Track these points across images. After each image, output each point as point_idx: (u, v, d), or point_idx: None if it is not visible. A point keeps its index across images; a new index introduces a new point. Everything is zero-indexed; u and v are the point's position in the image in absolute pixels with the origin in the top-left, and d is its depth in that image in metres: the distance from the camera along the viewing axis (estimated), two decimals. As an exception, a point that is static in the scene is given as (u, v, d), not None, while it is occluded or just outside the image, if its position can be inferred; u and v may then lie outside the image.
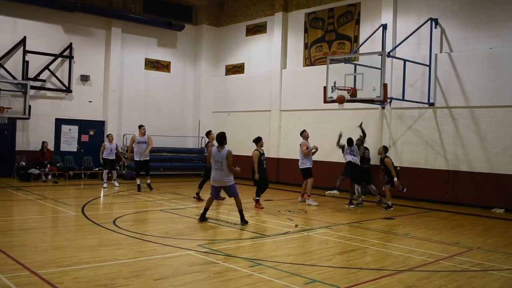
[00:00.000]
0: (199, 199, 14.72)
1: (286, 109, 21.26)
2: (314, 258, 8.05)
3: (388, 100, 15.99)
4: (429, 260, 8.13)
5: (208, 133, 15.12)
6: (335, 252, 8.59)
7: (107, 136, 18.20)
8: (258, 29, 23.09)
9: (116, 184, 17.80)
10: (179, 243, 8.71)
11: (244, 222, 10.69)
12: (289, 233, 10.15)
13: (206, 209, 11.00)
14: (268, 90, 22.01)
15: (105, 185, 17.33)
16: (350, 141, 14.46)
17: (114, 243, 8.63)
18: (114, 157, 17.77)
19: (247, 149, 22.43)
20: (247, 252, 8.31)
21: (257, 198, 13.72)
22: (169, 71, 24.24)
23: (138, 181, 16.63)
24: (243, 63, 23.77)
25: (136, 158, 16.59)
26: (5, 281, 6.11)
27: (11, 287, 5.89)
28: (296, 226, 10.83)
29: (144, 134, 16.52)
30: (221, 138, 10.69)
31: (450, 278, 7.07)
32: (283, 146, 21.08)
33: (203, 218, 10.92)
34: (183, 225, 10.81)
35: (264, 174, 13.66)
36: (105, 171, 17.64)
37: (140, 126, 16.75)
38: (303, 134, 15.32)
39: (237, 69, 24.05)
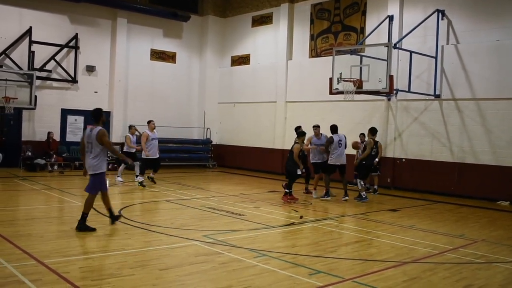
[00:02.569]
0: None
1: (292, 100, 21.23)
2: (318, 249, 8.07)
3: (394, 92, 15.96)
4: (434, 252, 8.13)
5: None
6: (339, 244, 8.61)
7: (130, 127, 17.15)
8: (264, 20, 23.01)
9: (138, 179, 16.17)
10: (185, 234, 8.75)
11: (82, 227, 8.79)
12: (294, 224, 10.17)
13: (109, 210, 9.39)
14: (273, 81, 21.98)
15: (119, 178, 16.33)
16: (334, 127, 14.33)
17: (120, 233, 8.69)
18: (134, 150, 16.48)
19: (253, 140, 22.63)
20: (252, 243, 8.33)
21: (289, 190, 13.25)
22: (174, 62, 24.22)
23: (141, 178, 15.48)
24: (249, 54, 23.72)
25: (153, 156, 15.57)
26: (12, 270, 6.17)
27: (18, 276, 5.94)
28: (301, 217, 10.84)
29: (154, 129, 15.79)
30: (96, 114, 9.02)
31: (454, 270, 7.08)
32: (288, 138, 21.04)
33: (114, 218, 9.37)
34: (189, 216, 10.85)
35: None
36: (123, 165, 16.52)
37: (150, 121, 15.98)
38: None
39: (243, 60, 24.00)
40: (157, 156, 15.76)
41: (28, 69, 19.56)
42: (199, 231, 9.01)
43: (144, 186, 15.19)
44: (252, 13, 23.52)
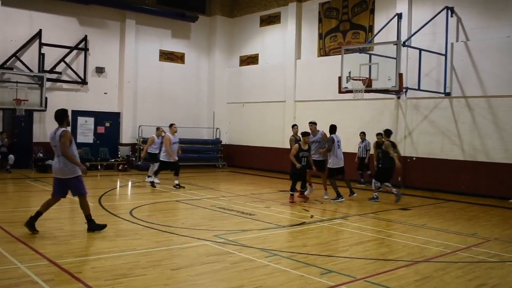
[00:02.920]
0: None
1: (301, 99, 21.19)
2: (330, 249, 8.05)
3: (404, 90, 15.87)
4: (446, 251, 8.08)
5: (293, 127, 14.45)
6: (351, 243, 8.57)
7: (157, 129, 16.82)
8: (272, 20, 22.99)
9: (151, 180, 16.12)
10: (196, 234, 8.75)
11: (92, 227, 8.74)
12: (304, 224, 10.15)
13: (39, 213, 8.72)
14: (282, 80, 21.96)
15: (157, 180, 15.89)
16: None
17: (131, 234, 8.71)
18: (158, 152, 16.17)
19: (262, 140, 22.62)
20: (263, 242, 8.32)
21: (291, 192, 13.01)
22: (183, 63, 24.26)
23: (156, 179, 15.71)
24: (257, 54, 23.71)
25: (173, 159, 15.23)
26: (25, 271, 6.20)
27: (31, 276, 5.97)
28: (312, 216, 10.82)
29: (175, 132, 15.57)
30: (59, 116, 8.63)
31: (467, 269, 7.03)
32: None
33: (30, 225, 8.53)
34: (199, 216, 10.86)
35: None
36: (152, 166, 16.41)
37: (172, 125, 15.64)
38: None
39: (251, 60, 24.00)
40: (176, 158, 15.40)
41: (39, 71, 19.70)
42: (210, 231, 9.01)
43: (154, 186, 15.22)
44: (260, 13, 23.51)
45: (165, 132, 16.13)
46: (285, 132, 21.16)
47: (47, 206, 8.81)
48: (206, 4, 25.07)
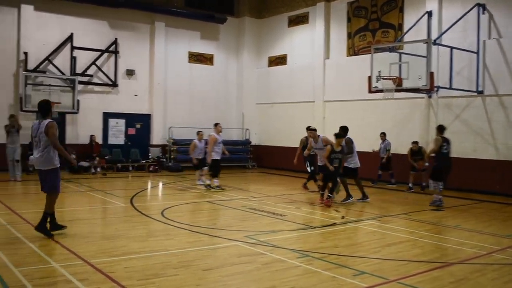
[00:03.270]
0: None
1: (330, 99, 21.05)
2: (362, 250, 7.97)
3: (435, 89, 15.62)
4: (481, 252, 7.91)
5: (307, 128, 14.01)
6: (383, 244, 8.46)
7: (197, 133, 16.58)
8: (300, 20, 22.91)
9: (202, 182, 16.14)
10: (227, 234, 8.77)
11: (41, 229, 8.20)
12: (336, 224, 10.07)
13: (45, 214, 8.38)
14: (311, 81, 21.86)
15: (215, 182, 15.43)
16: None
17: (162, 234, 8.76)
18: (204, 156, 16.01)
19: (291, 141, 22.49)
20: (294, 243, 8.28)
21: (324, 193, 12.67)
22: (212, 64, 24.36)
23: (217, 182, 15.32)
24: (286, 55, 23.66)
25: (218, 157, 15.21)
26: (60, 270, 6.30)
27: (66, 276, 6.07)
28: (343, 217, 10.72)
29: (220, 131, 15.45)
30: (44, 108, 8.36)
31: (503, 271, 6.87)
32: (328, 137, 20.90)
33: (41, 227, 8.21)
34: (230, 216, 10.89)
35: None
36: (200, 170, 16.25)
37: (217, 124, 15.54)
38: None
39: (280, 60, 23.96)
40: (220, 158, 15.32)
41: (70, 74, 20.02)
42: (241, 232, 9.01)
43: (213, 188, 15.06)
44: (288, 13, 23.45)
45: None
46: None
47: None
48: (235, 6, 25.14)
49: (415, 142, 16.07)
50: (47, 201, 8.38)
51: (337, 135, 12.55)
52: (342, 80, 20.50)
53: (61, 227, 8.51)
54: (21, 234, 8.31)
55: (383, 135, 17.31)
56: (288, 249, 7.77)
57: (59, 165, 8.36)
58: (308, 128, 13.60)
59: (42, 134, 8.11)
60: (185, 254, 7.33)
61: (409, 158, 16.11)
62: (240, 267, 6.73)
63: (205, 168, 15.81)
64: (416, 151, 16.01)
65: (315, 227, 9.76)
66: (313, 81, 21.74)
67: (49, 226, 8.32)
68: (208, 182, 15.47)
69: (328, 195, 12.42)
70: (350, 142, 13.11)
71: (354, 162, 13.28)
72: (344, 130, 13.28)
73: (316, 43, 21.78)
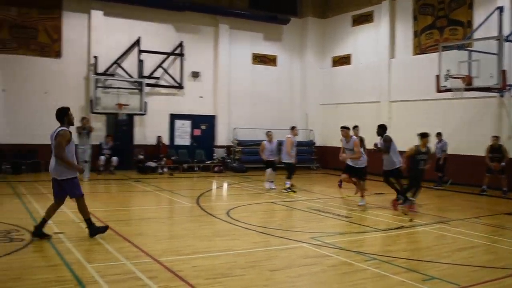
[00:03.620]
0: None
1: (396, 99, 20.60)
2: (431, 254, 7.74)
3: (507, 88, 14.98)
4: (560, 259, 7.53)
5: (353, 128, 13.80)
6: (453, 249, 8.18)
7: (266, 134, 16.13)
8: (364, 19, 22.57)
9: (272, 186, 15.57)
10: (292, 235, 8.75)
11: (93, 232, 8.15)
12: (403, 227, 9.83)
13: (43, 220, 8.08)
14: (376, 80, 21.46)
15: (270, 185, 15.43)
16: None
17: (228, 234, 8.86)
18: (274, 158, 15.63)
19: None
20: (360, 246, 8.17)
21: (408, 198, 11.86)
22: (275, 65, 24.40)
23: (288, 184, 14.91)
24: (350, 54, 23.35)
25: (293, 161, 15.03)
26: (130, 267, 6.49)
27: (135, 273, 6.24)
28: (411, 220, 10.45)
29: (296, 135, 15.40)
30: (59, 114, 8.07)
31: None
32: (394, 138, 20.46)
33: (38, 233, 7.93)
34: (295, 218, 10.88)
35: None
36: (268, 170, 15.63)
37: (294, 127, 15.46)
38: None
39: (344, 60, 23.68)
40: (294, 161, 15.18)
41: (138, 77, 20.60)
42: (307, 233, 8.97)
43: (294, 191, 14.75)
44: (352, 13, 23.14)
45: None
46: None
47: (51, 211, 8.14)
48: (298, 6, 25.08)
49: (496, 137, 14.96)
50: (78, 208, 8.16)
51: (422, 135, 11.54)
52: (408, 79, 19.99)
53: (46, 235, 7.97)
54: (94, 232, 8.56)
55: (439, 135, 16.58)
56: (354, 251, 7.68)
57: (75, 175, 8.06)
58: (342, 127, 12.89)
59: (53, 141, 7.91)
60: (251, 255, 7.38)
61: (486, 156, 14.97)
62: (306, 269, 6.70)
63: (272, 171, 15.49)
64: (496, 148, 14.90)
65: (382, 230, 9.57)
66: (379, 80, 21.33)
67: (88, 231, 8.16)
68: (287, 185, 14.86)
69: (408, 199, 11.48)
70: (389, 141, 12.39)
71: (397, 162, 12.31)
72: (382, 128, 12.76)
73: (381, 42, 21.38)
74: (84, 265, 6.52)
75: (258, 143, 17.35)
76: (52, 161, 7.98)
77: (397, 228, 9.75)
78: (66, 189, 8.00)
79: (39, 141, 16.33)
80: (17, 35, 18.73)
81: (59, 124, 8.05)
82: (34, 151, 18.28)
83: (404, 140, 14.06)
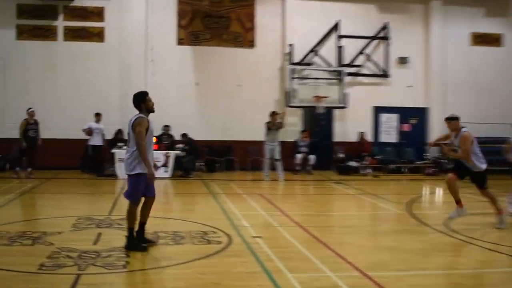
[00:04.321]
0: None
1: None
2: None
3: None
4: None
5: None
6: None
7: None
8: None
9: None
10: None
11: (130, 245, 7.57)
12: None
13: (141, 224, 7.83)
14: None
15: None
16: None
17: (448, 249, 8.38)
18: None
19: None
20: None
21: None
22: (500, 45, 22.63)
23: None
24: None
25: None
26: (336, 280, 6.36)
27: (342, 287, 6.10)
28: None
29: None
30: (134, 100, 7.75)
31: None
32: None
33: (140, 242, 7.70)
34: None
35: None
36: None
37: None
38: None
39: None
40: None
41: (337, 65, 20.64)
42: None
43: None
44: None
45: None
46: None
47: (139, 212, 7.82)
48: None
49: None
50: (127, 212, 7.79)
51: None
52: None
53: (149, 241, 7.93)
54: (292, 237, 8.68)
55: None
56: None
57: (143, 171, 7.54)
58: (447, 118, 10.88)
59: (131, 132, 7.59)
60: (477, 276, 6.86)
61: None
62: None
63: None
64: None
65: None
66: None
67: (125, 241, 7.69)
68: None
69: None
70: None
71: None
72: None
73: None
74: (286, 274, 6.57)
75: (492, 141, 16.47)
76: (126, 153, 7.83)
77: None
78: (128, 186, 7.73)
79: (232, 137, 17.27)
80: (210, 26, 20.06)
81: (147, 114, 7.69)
82: (228, 148, 19.39)
83: None
